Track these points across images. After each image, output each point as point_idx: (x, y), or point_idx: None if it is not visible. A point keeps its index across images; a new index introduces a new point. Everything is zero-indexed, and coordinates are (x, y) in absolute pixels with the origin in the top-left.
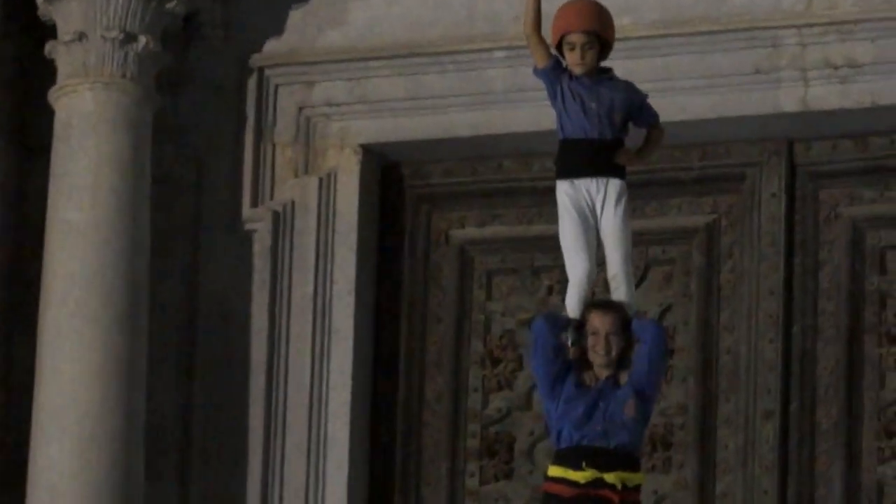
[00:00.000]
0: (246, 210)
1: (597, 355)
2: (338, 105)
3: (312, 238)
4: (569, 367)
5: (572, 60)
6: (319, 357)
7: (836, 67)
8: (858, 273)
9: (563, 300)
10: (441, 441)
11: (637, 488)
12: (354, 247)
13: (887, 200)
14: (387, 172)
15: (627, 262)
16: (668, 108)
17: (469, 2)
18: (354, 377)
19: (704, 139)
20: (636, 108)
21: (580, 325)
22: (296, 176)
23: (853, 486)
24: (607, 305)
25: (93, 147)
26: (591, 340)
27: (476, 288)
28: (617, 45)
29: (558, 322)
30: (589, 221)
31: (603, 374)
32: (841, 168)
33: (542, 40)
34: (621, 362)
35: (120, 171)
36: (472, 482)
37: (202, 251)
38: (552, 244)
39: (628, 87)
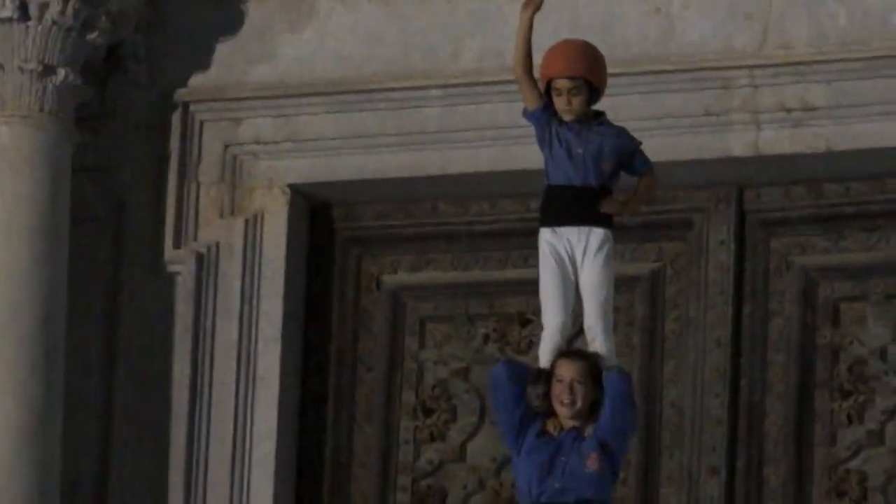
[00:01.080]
0: (168, 251)
1: (561, 404)
2: (266, 143)
3: (238, 282)
4: (534, 416)
5: (560, 106)
6: (243, 406)
7: (789, 111)
8: (810, 325)
9: (499, 348)
10: (370, 495)
11: None
12: (282, 291)
13: (841, 250)
14: (316, 214)
15: (605, 313)
16: None
17: (404, 38)
18: (280, 428)
19: None
20: (627, 154)
21: (549, 376)
22: (221, 216)
23: None
24: (575, 354)
25: (8, 184)
26: (556, 388)
27: (408, 335)
28: None
29: (519, 370)
30: (568, 271)
31: (568, 424)
32: (793, 215)
33: (532, 81)
34: (591, 416)
35: (37, 209)
36: None
37: (122, 294)
38: (488, 290)
39: (621, 133)
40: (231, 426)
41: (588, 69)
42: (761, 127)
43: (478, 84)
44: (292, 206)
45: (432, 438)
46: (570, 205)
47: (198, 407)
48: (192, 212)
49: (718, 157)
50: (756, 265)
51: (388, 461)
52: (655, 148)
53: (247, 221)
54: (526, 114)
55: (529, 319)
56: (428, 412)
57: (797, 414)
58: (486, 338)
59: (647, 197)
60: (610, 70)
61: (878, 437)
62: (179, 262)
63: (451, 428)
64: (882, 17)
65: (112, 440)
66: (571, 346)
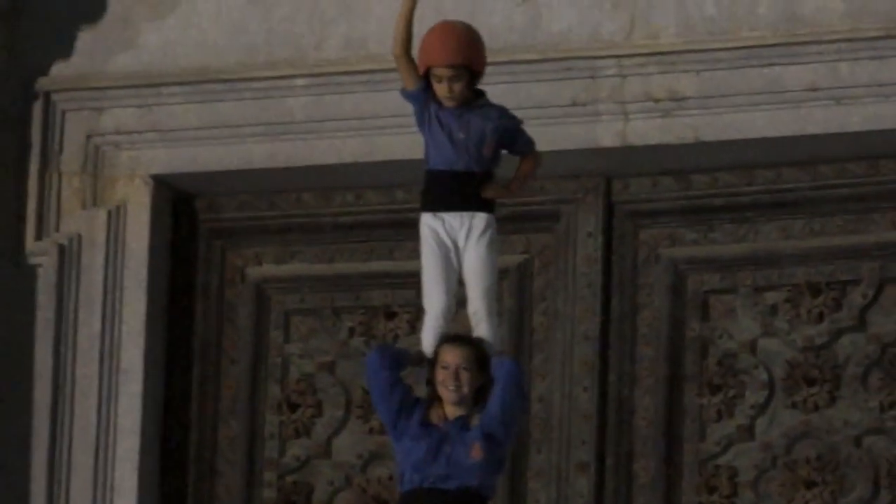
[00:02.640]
0: (30, 243)
1: (446, 391)
2: (128, 133)
3: (100, 274)
4: (414, 402)
5: (441, 93)
6: (107, 400)
7: (657, 100)
8: (679, 318)
9: (365, 342)
10: (235, 491)
11: None
12: (145, 283)
13: (710, 242)
14: (179, 205)
15: (490, 298)
16: None
17: (268, 26)
18: (144, 422)
19: None
20: (509, 135)
21: (434, 362)
22: (83, 207)
23: None
24: (460, 339)
25: None
26: (440, 375)
27: (273, 329)
28: None
29: (393, 355)
30: (451, 256)
31: (453, 412)
32: (661, 207)
33: (411, 62)
34: (477, 402)
35: None
36: None
37: None
38: (354, 283)
39: (501, 113)
40: (94, 420)
41: (469, 57)
42: (629, 117)
43: (343, 73)
44: (155, 196)
45: (298, 434)
46: (453, 190)
47: (60, 401)
48: (53, 202)
49: (586, 147)
50: (624, 257)
51: (254, 457)
52: None
53: (109, 213)
54: (404, 93)
55: (395, 312)
56: (293, 407)
57: (666, 408)
58: (352, 331)
59: (530, 177)
60: None
61: (747, 431)
62: (41, 254)
63: (317, 423)
64: (750, 6)
65: None
66: (455, 332)
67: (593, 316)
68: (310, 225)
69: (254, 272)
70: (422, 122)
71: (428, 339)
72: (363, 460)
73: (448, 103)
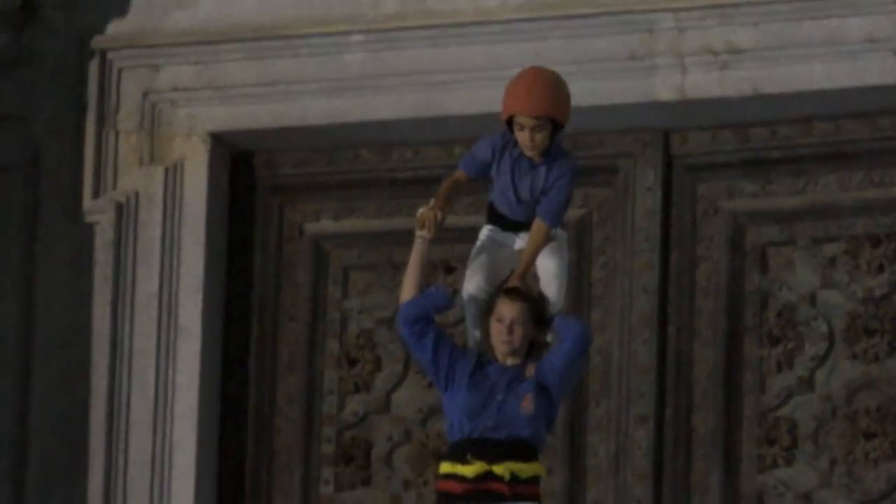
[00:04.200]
0: (87, 201)
1: (499, 343)
2: (185, 90)
3: (158, 231)
4: (462, 352)
5: (522, 141)
6: (165, 358)
7: (715, 53)
8: (738, 271)
9: None
10: (294, 446)
11: (532, 480)
12: (202, 240)
13: (769, 194)
14: (237, 162)
15: (561, 272)
16: None
17: None
18: (202, 379)
19: (576, 128)
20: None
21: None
22: (140, 165)
23: (731, 495)
24: (516, 293)
25: None
26: (494, 328)
27: (331, 284)
28: (483, 30)
29: (425, 305)
30: (500, 252)
31: (507, 362)
32: (720, 160)
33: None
34: (529, 356)
35: None
36: (326, 489)
37: (40, 244)
38: (412, 238)
39: (559, 175)
40: (153, 378)
41: (554, 108)
42: (687, 70)
43: (400, 29)
44: (213, 154)
45: (356, 389)
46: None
47: (118, 359)
48: (110, 161)
49: (644, 101)
50: (683, 211)
51: (312, 413)
52: (579, 93)
53: (166, 170)
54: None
55: (453, 267)
56: (352, 362)
57: (726, 361)
58: None
59: (536, 246)
60: (533, 14)
61: (807, 383)
62: (98, 212)
63: (376, 378)
64: None
65: (31, 392)
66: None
67: (652, 269)
68: (368, 181)
69: (312, 228)
70: (493, 162)
71: (470, 321)
72: (422, 415)
73: (528, 152)
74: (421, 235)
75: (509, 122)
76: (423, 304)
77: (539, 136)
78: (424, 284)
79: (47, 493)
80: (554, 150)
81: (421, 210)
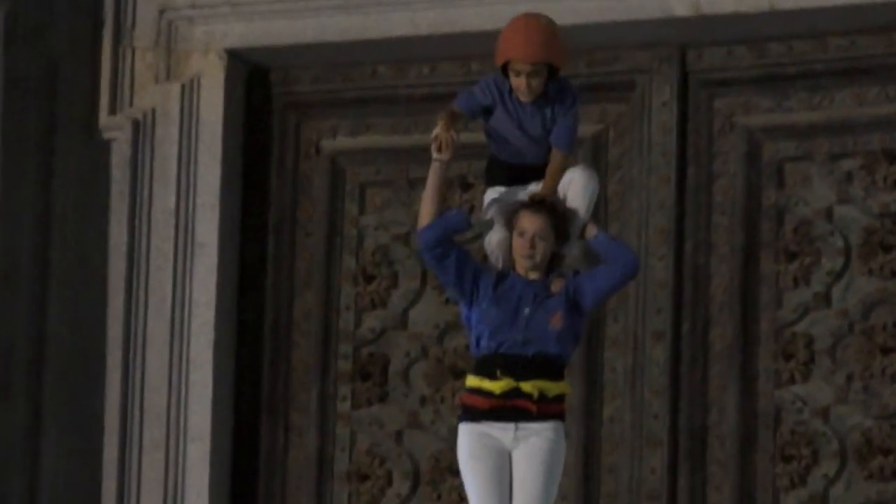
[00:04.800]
0: (104, 118)
1: (521, 258)
2: (201, 7)
3: (174, 148)
4: (481, 269)
5: (518, 87)
6: (181, 274)
7: None
8: (754, 187)
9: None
10: (311, 363)
11: (559, 399)
12: (219, 157)
13: (785, 110)
14: (253, 78)
15: (589, 187)
16: (556, 11)
17: None
18: (219, 295)
19: (592, 44)
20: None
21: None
22: (157, 82)
23: (748, 411)
24: (538, 206)
25: None
26: (516, 242)
27: (348, 201)
28: None
29: (443, 228)
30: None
31: (529, 276)
32: (736, 76)
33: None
34: (552, 269)
35: None
36: (343, 406)
37: (56, 161)
38: (428, 155)
39: (566, 109)
40: (169, 294)
41: (550, 53)
42: None
43: None
44: (229, 70)
45: (373, 305)
46: (522, 177)
47: (135, 275)
48: (127, 78)
49: (660, 17)
50: (699, 126)
51: (329, 328)
52: (596, 9)
53: (183, 87)
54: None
55: (471, 183)
56: (369, 278)
57: (742, 276)
58: None
59: (557, 175)
60: None
61: (824, 299)
62: (115, 129)
63: (393, 294)
64: None
65: (47, 310)
66: (537, 194)
67: (668, 185)
68: (385, 97)
69: (328, 145)
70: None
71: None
72: (439, 331)
73: (524, 98)
74: (438, 158)
75: (504, 69)
76: (442, 227)
77: (535, 82)
78: (443, 207)
79: (64, 411)
80: (553, 90)
81: (435, 132)
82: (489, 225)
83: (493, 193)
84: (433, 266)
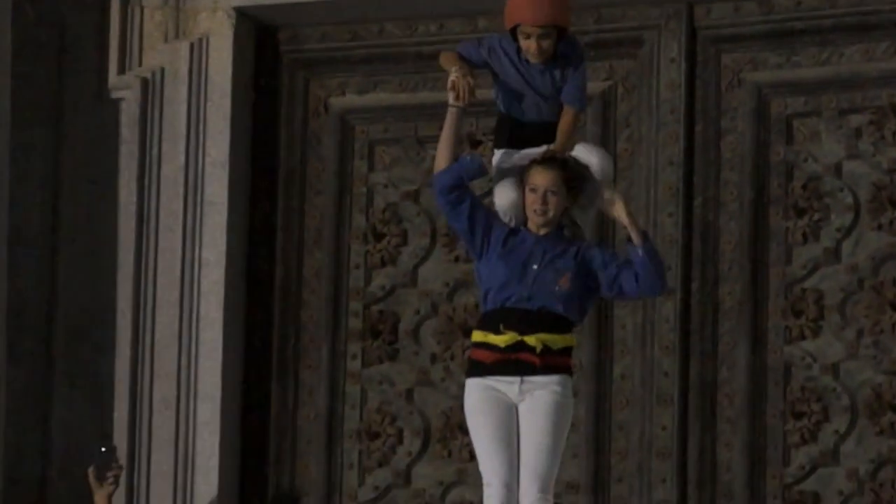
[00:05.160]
0: (112, 77)
1: (533, 214)
2: None
3: (183, 107)
4: (495, 220)
5: (527, 48)
6: (191, 233)
7: None
8: (763, 142)
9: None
10: (321, 321)
11: (565, 352)
12: (228, 116)
13: (793, 66)
14: (262, 37)
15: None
16: None
17: None
18: (229, 254)
19: (600, 1)
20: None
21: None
22: (165, 41)
23: (758, 367)
24: (550, 161)
25: None
26: (528, 197)
27: (357, 159)
28: None
29: (457, 175)
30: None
31: (540, 232)
32: (744, 31)
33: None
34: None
35: None
36: (353, 364)
37: (66, 121)
38: (437, 112)
39: (575, 68)
40: (179, 253)
41: (558, 16)
42: None
43: None
44: (238, 29)
45: (383, 263)
46: (531, 138)
47: (145, 234)
48: (136, 36)
49: None
50: (707, 83)
51: (339, 287)
52: None
53: (192, 46)
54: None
55: (480, 140)
56: (378, 236)
57: (752, 233)
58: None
59: (568, 132)
60: None
61: (833, 254)
62: (124, 88)
63: (402, 252)
64: None
65: (58, 269)
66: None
67: (677, 141)
68: (393, 55)
69: (337, 103)
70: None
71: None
72: (449, 288)
73: (534, 59)
74: (455, 105)
75: (513, 31)
76: (457, 172)
77: (546, 43)
78: (458, 154)
79: (75, 369)
80: (561, 49)
81: (451, 78)
82: (501, 184)
83: (501, 155)
84: (447, 212)
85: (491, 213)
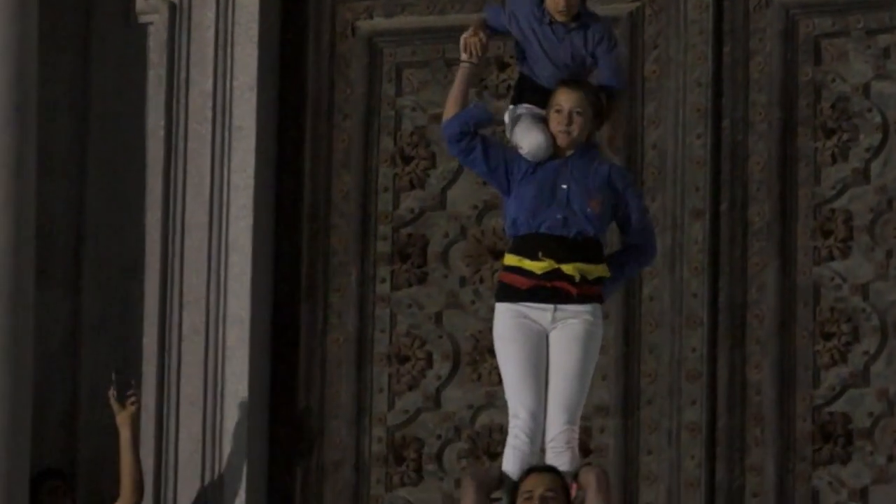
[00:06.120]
0: (140, 2)
1: (558, 133)
2: None
3: (211, 31)
4: (508, 152)
5: (555, 5)
6: (220, 157)
7: None
8: (791, 63)
9: (477, 92)
10: (350, 244)
11: (598, 281)
12: (256, 39)
13: None
14: None
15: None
16: None
17: None
18: (257, 178)
19: None
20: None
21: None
22: None
23: (787, 288)
24: (575, 83)
25: None
26: (553, 119)
27: (385, 82)
28: None
29: (469, 119)
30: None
31: (565, 154)
32: None
33: None
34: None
35: None
36: (382, 288)
37: (93, 46)
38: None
39: (601, 38)
40: (208, 178)
41: None
42: None
43: None
44: None
45: (412, 186)
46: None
47: (173, 159)
48: None
49: None
50: (735, 3)
51: (368, 210)
52: None
53: None
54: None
55: (507, 63)
56: (406, 159)
57: (780, 153)
58: None
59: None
60: None
61: (862, 175)
62: (152, 12)
63: (431, 175)
64: None
65: (86, 194)
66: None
67: (705, 62)
68: None
69: (364, 26)
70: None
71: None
72: (478, 211)
73: (561, 18)
74: (467, 61)
75: None
76: (463, 119)
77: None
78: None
79: (104, 296)
80: (584, 13)
81: (464, 36)
82: (521, 128)
83: (515, 109)
84: (463, 160)
85: (508, 148)
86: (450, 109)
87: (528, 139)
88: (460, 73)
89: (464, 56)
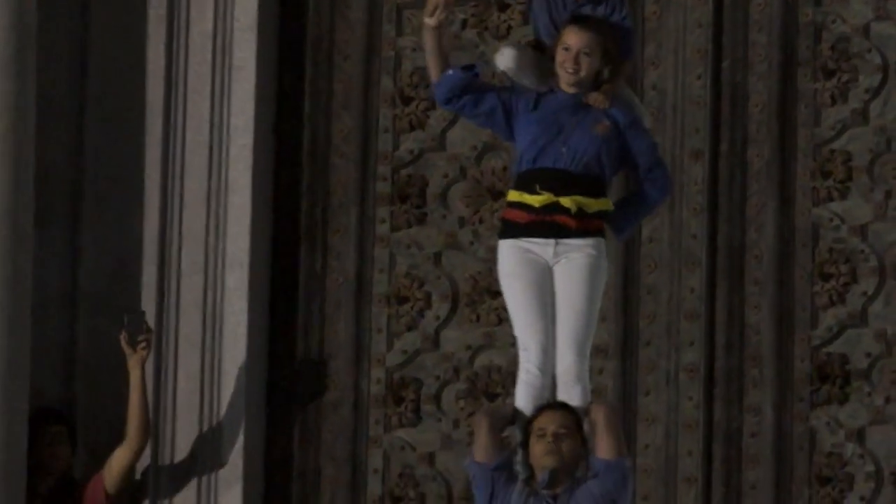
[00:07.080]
0: None
1: (564, 72)
2: None
3: None
4: (512, 96)
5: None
6: (219, 97)
7: None
8: (791, 4)
9: (478, 34)
10: (350, 185)
11: (599, 215)
12: None
13: None
14: None
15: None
16: None
17: None
18: (257, 118)
19: None
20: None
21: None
22: None
23: (786, 228)
24: (586, 23)
25: None
26: (560, 56)
27: (385, 22)
28: None
29: (448, 85)
30: None
31: (570, 91)
32: None
33: None
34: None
35: None
36: (382, 228)
37: None
38: None
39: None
40: (207, 119)
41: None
42: None
43: None
44: None
45: (411, 127)
46: None
47: (173, 100)
48: None
49: None
50: None
51: (368, 150)
52: None
53: None
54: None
55: (507, 4)
56: (406, 100)
57: (780, 94)
58: (465, 23)
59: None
60: None
61: (861, 116)
62: None
63: (431, 116)
64: None
65: (85, 133)
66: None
67: (706, 3)
68: None
69: None
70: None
71: None
72: (477, 151)
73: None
74: (427, 23)
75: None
76: (446, 86)
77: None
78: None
79: (103, 234)
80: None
81: None
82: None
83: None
84: (462, 116)
85: (506, 90)
86: (431, 73)
87: (497, 59)
88: (427, 38)
89: (426, 17)
